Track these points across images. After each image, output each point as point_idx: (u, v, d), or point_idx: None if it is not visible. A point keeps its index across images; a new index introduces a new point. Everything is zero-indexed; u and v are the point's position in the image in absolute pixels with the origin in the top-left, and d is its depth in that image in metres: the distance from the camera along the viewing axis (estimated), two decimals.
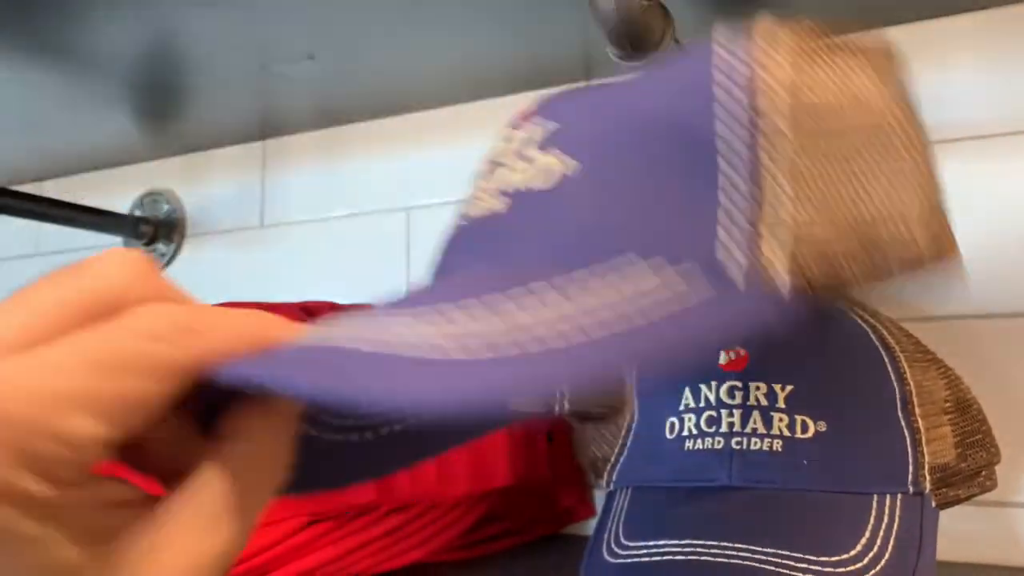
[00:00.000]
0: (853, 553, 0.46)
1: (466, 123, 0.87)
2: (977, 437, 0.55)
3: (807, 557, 0.45)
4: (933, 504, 0.52)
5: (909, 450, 0.51)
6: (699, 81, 0.30)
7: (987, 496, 0.55)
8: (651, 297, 0.25)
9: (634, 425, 0.59)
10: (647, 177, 0.30)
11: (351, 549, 0.56)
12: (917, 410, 0.52)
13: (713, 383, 0.53)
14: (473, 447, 0.61)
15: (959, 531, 0.64)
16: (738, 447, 0.51)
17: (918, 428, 0.52)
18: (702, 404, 0.53)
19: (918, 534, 0.49)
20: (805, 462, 0.50)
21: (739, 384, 0.52)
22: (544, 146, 0.32)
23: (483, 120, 0.85)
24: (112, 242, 1.05)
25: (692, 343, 0.24)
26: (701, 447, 0.52)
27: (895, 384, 0.52)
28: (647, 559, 0.47)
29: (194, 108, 0.87)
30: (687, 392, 0.54)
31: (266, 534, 0.52)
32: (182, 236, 1.04)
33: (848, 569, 0.45)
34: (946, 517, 0.54)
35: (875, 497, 0.50)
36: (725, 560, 0.44)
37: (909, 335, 0.56)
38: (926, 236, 0.30)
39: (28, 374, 0.18)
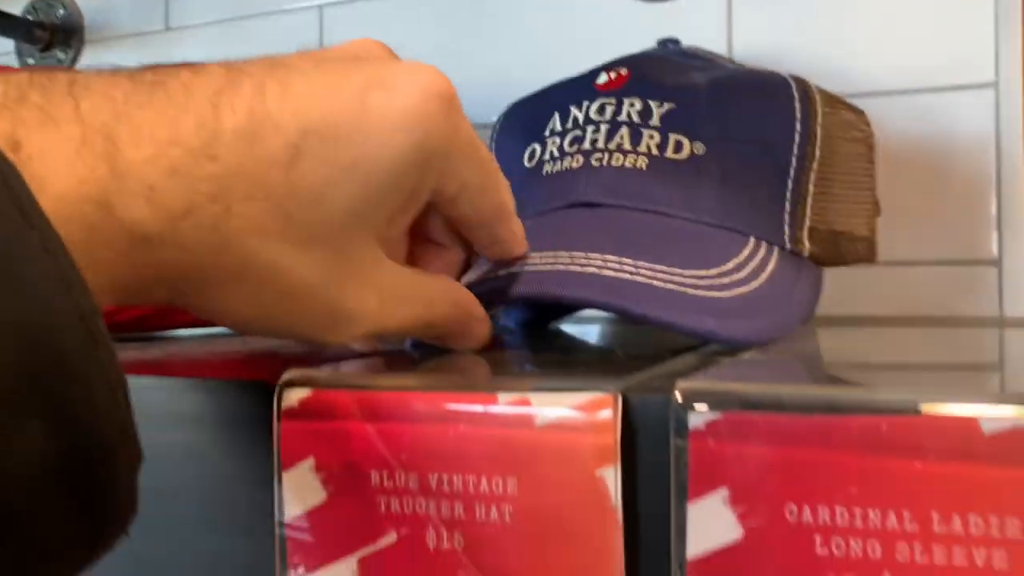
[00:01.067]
0: (725, 268, 0.39)
1: None
2: (867, 206, 0.48)
3: (676, 269, 0.38)
4: (811, 262, 0.45)
5: (789, 205, 0.44)
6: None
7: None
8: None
9: None
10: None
11: None
12: (814, 164, 0.45)
13: (584, 102, 0.46)
14: None
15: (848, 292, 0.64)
16: (598, 163, 0.43)
17: (807, 181, 0.44)
18: (569, 125, 0.46)
19: (792, 278, 0.42)
20: (674, 185, 0.42)
21: (612, 101, 0.45)
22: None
23: None
24: (4, 47, 0.98)
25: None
26: (560, 168, 0.45)
27: (798, 128, 0.45)
28: (505, 271, 0.39)
29: None
30: (555, 116, 0.47)
31: None
32: (81, 42, 0.97)
33: (722, 281, 0.38)
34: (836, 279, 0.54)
35: (751, 239, 0.42)
36: (595, 271, 0.36)
37: (851, 109, 0.49)
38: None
39: None
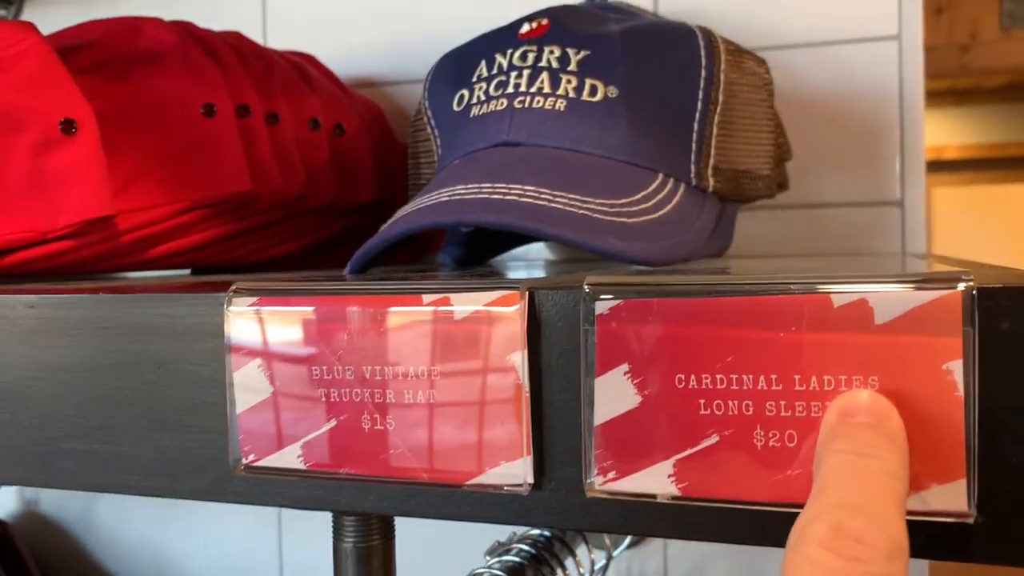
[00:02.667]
0: (634, 199, 0.43)
1: None
2: (767, 147, 0.52)
3: (588, 198, 0.41)
4: (716, 198, 0.49)
5: (694, 144, 0.48)
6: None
7: (790, 199, 0.64)
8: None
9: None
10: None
11: (229, 235, 0.59)
12: (718, 108, 0.49)
13: (509, 50, 0.49)
14: (342, 166, 0.66)
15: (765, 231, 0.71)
16: (520, 106, 0.47)
17: (711, 123, 0.48)
18: (494, 72, 0.49)
19: (697, 210, 0.46)
20: (590, 125, 0.46)
21: (533, 48, 0.48)
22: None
23: None
24: None
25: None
26: (486, 111, 0.48)
27: (703, 74, 0.48)
28: (435, 201, 0.42)
29: None
30: (482, 63, 0.50)
31: (148, 214, 0.54)
32: None
33: (630, 209, 0.42)
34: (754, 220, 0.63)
35: (659, 175, 0.46)
36: (515, 199, 0.40)
37: (753, 58, 0.53)
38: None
39: None
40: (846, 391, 0.26)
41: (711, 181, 0.48)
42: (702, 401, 0.27)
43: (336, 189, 0.65)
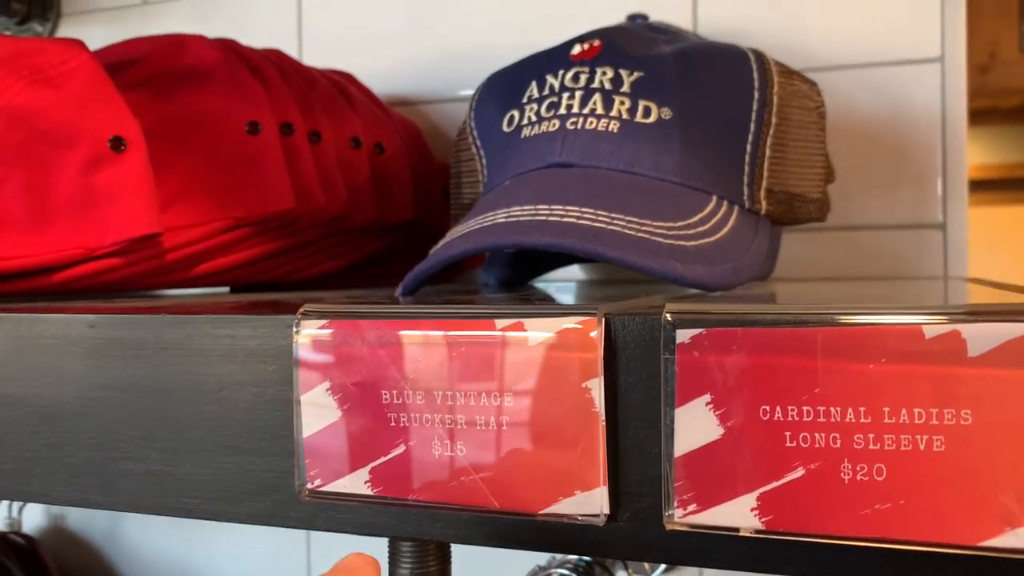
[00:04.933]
0: (691, 221, 0.43)
1: None
2: (818, 170, 0.52)
3: (646, 220, 0.41)
4: (768, 220, 0.48)
5: (747, 167, 0.47)
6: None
7: (830, 221, 0.61)
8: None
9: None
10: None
11: (272, 253, 0.59)
12: (771, 130, 0.48)
13: (560, 71, 0.49)
14: (382, 185, 0.66)
15: (806, 254, 0.71)
16: (572, 127, 0.46)
17: (764, 145, 0.48)
18: (545, 92, 0.49)
19: (751, 232, 0.45)
20: (643, 146, 0.45)
21: (586, 69, 0.48)
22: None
23: None
24: None
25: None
26: (537, 132, 0.48)
27: (756, 96, 0.48)
28: (491, 222, 0.42)
29: None
30: (533, 84, 0.50)
31: (193, 232, 0.54)
32: (58, 15, 0.98)
33: (687, 232, 0.41)
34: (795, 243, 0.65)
35: (713, 197, 0.46)
36: (573, 221, 0.39)
37: (804, 80, 0.52)
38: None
39: None
40: (935, 423, 0.25)
41: (764, 204, 0.48)
42: (787, 433, 0.26)
43: (376, 208, 0.65)
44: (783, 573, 0.27)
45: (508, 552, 0.69)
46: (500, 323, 0.29)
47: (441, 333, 0.30)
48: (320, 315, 0.31)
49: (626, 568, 0.60)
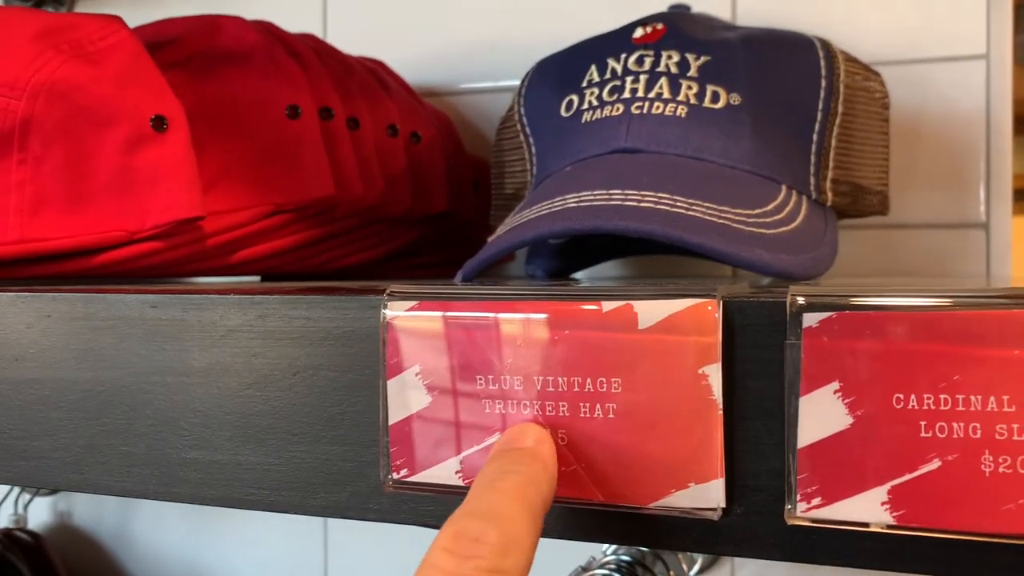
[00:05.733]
0: (766, 209, 0.41)
1: None
2: (882, 162, 0.50)
3: (724, 207, 0.39)
4: (835, 214, 0.47)
5: (813, 156, 0.46)
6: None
7: (871, 219, 0.59)
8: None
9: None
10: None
11: (309, 241, 0.57)
12: (837, 119, 0.47)
13: (622, 55, 0.47)
14: (418, 175, 0.65)
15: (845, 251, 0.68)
16: (638, 111, 0.45)
17: (830, 134, 0.46)
18: (607, 76, 0.47)
19: (822, 223, 0.44)
20: (712, 132, 0.44)
21: (650, 53, 0.46)
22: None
23: None
24: None
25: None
26: (600, 116, 0.46)
27: (823, 84, 0.47)
28: (560, 207, 0.40)
29: None
30: (592, 68, 0.48)
31: (232, 217, 0.52)
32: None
33: (765, 220, 0.40)
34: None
35: (783, 186, 0.44)
36: (651, 206, 0.38)
37: (869, 70, 0.51)
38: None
39: None
40: None
41: (830, 195, 0.46)
42: (923, 423, 0.25)
43: (411, 198, 0.64)
44: (914, 572, 0.25)
45: (554, 551, 0.67)
46: (607, 305, 0.28)
47: (542, 315, 0.28)
48: (409, 296, 0.30)
49: (667, 566, 0.59)
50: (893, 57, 0.68)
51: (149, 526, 0.93)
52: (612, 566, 0.57)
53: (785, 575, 0.70)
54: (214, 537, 0.90)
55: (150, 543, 0.93)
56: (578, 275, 0.61)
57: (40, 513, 0.95)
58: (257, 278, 0.62)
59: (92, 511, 0.95)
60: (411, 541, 0.77)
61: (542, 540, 0.29)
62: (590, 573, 0.56)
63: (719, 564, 0.70)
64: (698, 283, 0.30)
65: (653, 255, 0.66)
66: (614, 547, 0.61)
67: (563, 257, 0.55)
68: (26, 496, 0.92)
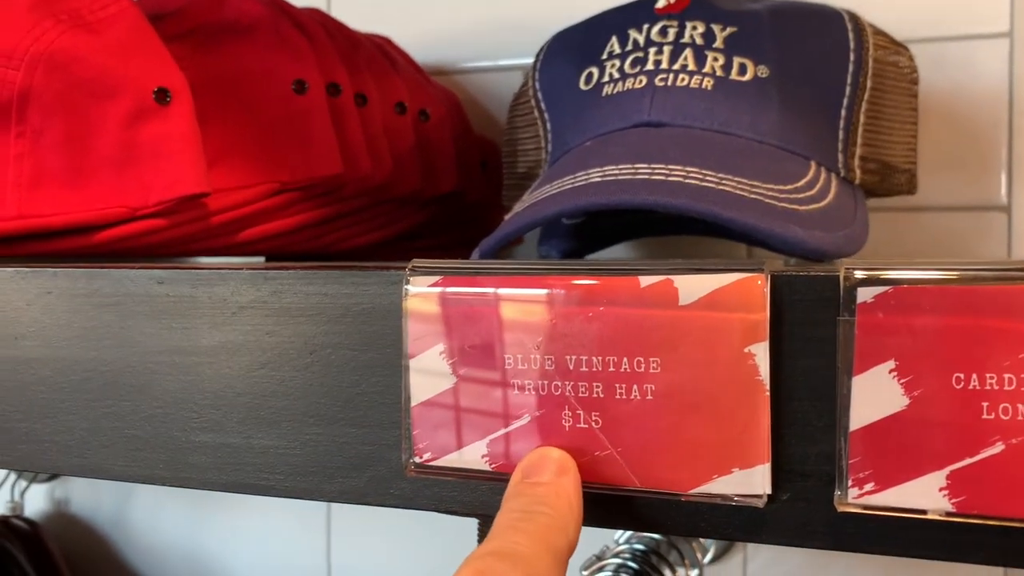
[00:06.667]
0: (798, 185, 0.39)
1: None
2: (910, 140, 0.49)
3: (755, 182, 0.38)
4: (864, 193, 0.45)
5: (841, 132, 0.44)
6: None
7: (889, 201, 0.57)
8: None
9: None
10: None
11: (317, 221, 0.56)
12: (866, 94, 0.45)
13: (645, 25, 0.46)
14: (426, 154, 0.63)
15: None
16: (661, 84, 0.43)
17: (858, 110, 0.45)
18: (629, 48, 0.46)
19: (852, 200, 0.42)
20: (740, 105, 0.42)
21: (674, 23, 0.45)
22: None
23: None
24: None
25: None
26: (621, 89, 0.44)
27: (852, 57, 0.45)
28: (584, 182, 0.38)
29: None
30: (613, 39, 0.47)
31: (237, 195, 0.51)
32: None
33: (798, 196, 0.38)
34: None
35: (812, 163, 0.43)
36: (680, 180, 0.36)
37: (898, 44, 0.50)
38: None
39: None
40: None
41: (858, 172, 0.45)
42: (985, 404, 0.23)
43: (420, 178, 0.62)
44: (974, 561, 0.24)
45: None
46: (645, 280, 0.26)
47: (575, 291, 0.27)
48: (432, 270, 0.28)
49: (681, 555, 0.58)
50: (914, 35, 0.67)
51: (147, 513, 0.91)
52: (627, 555, 0.55)
53: (800, 565, 0.69)
54: (213, 524, 0.88)
55: (148, 530, 0.91)
56: (592, 257, 0.60)
57: (37, 500, 0.93)
58: (262, 259, 0.60)
59: (90, 498, 0.93)
60: (413, 528, 0.76)
61: None
62: (604, 562, 0.55)
63: (732, 552, 0.69)
64: (740, 260, 0.28)
65: (668, 236, 0.64)
66: (627, 535, 0.59)
67: (578, 238, 0.53)
68: (22, 483, 0.90)
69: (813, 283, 0.25)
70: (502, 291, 0.27)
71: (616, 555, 0.56)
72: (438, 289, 0.28)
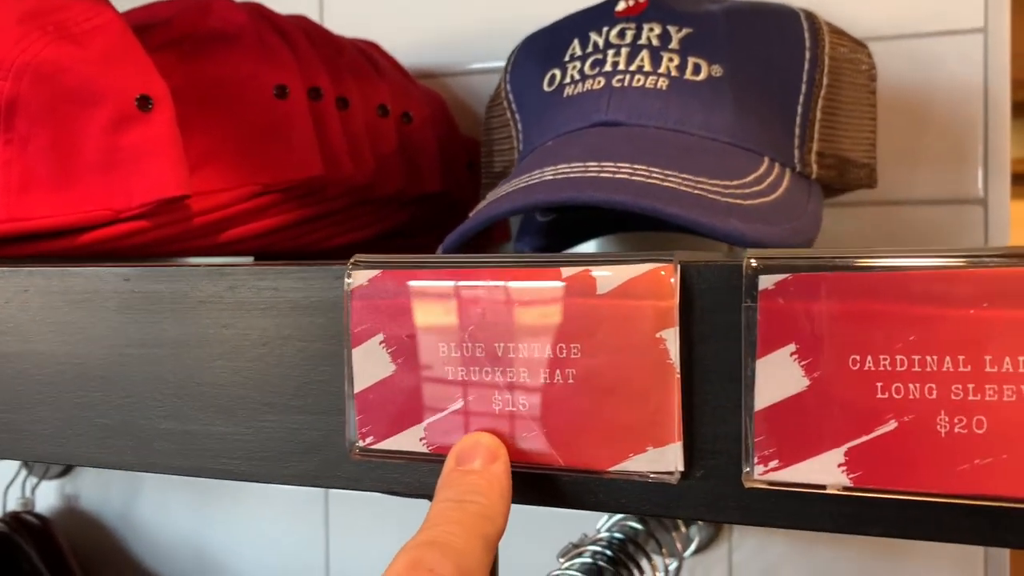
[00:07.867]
0: (745, 181, 0.41)
1: None
2: (869, 135, 0.50)
3: (701, 178, 0.39)
4: (820, 188, 0.47)
5: (798, 128, 0.46)
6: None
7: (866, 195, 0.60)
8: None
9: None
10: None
11: (298, 221, 0.57)
12: (822, 91, 0.47)
13: (604, 28, 0.47)
14: (409, 155, 0.65)
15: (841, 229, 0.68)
16: (618, 84, 0.45)
17: (815, 107, 0.46)
18: (589, 50, 0.47)
19: (805, 195, 0.44)
20: (693, 104, 0.44)
21: (632, 26, 0.46)
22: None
23: None
24: None
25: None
26: (581, 90, 0.46)
27: (807, 56, 0.46)
28: (538, 180, 0.40)
29: None
30: (575, 42, 0.48)
31: (219, 197, 0.52)
32: None
33: (743, 191, 0.40)
34: (830, 217, 0.59)
35: (765, 158, 0.44)
36: (626, 177, 0.37)
37: (855, 42, 0.51)
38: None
39: None
40: None
41: (815, 167, 0.46)
42: (879, 384, 0.25)
43: (403, 178, 0.64)
44: (871, 533, 0.25)
45: (544, 527, 0.68)
46: (566, 271, 0.28)
47: (503, 283, 0.28)
48: (372, 265, 0.30)
49: (659, 544, 0.59)
50: (890, 31, 0.68)
51: (155, 508, 0.93)
52: (604, 543, 0.57)
53: (783, 554, 0.70)
54: (218, 518, 0.91)
55: (155, 525, 0.93)
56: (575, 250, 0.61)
57: (47, 496, 0.96)
58: (250, 258, 0.62)
59: (99, 494, 0.96)
60: (412, 519, 0.78)
61: (534, 511, 0.30)
62: (581, 549, 0.56)
63: (717, 543, 0.70)
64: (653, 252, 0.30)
65: (644, 232, 0.65)
66: (607, 524, 0.61)
67: (552, 235, 0.55)
68: (33, 479, 0.93)
69: (720, 271, 0.26)
70: (437, 283, 0.29)
71: (594, 542, 0.57)
72: (379, 282, 0.30)
